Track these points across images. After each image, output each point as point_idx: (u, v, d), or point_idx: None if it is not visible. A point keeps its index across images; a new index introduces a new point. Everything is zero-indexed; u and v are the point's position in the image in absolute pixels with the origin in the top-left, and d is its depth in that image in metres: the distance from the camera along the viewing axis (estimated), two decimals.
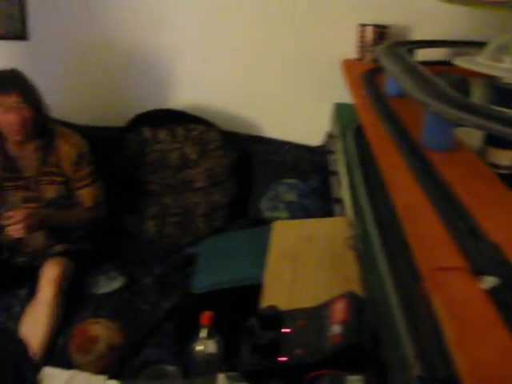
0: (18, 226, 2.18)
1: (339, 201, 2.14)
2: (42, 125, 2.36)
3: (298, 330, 1.13)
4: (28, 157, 2.39)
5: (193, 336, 1.72)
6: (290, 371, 1.05)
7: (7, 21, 3.04)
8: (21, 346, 0.62)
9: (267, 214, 2.66)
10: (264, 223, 2.62)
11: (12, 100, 2.26)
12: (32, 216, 2.22)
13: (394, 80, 1.71)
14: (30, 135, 2.34)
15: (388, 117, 1.52)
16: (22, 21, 3.01)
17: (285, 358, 1.06)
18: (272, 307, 1.13)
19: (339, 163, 2.22)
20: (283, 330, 1.13)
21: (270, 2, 2.71)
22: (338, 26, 2.65)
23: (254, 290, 2.13)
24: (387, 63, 1.72)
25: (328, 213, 2.38)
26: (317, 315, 1.17)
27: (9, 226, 2.19)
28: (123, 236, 2.76)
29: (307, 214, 2.50)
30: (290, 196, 2.59)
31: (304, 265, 1.52)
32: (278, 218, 2.56)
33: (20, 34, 3.03)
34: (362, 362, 1.05)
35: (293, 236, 1.64)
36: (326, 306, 1.19)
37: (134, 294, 2.33)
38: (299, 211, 2.55)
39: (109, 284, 2.37)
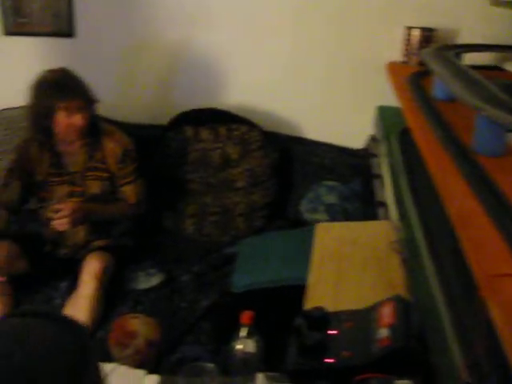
0: (64, 220, 2.21)
1: (383, 204, 2.13)
2: (92, 123, 2.40)
3: (345, 332, 1.13)
4: (75, 153, 2.43)
5: (230, 335, 1.73)
6: (336, 373, 1.05)
7: (54, 18, 3.09)
8: (82, 339, 0.59)
9: (306, 216, 2.65)
10: (303, 225, 2.62)
11: (78, 104, 2.30)
12: (78, 210, 2.26)
13: (443, 84, 1.69)
14: (81, 136, 2.39)
15: (436, 121, 1.50)
16: (69, 18, 3.06)
17: (331, 360, 1.05)
18: (319, 308, 1.12)
19: (383, 166, 2.20)
20: (330, 332, 1.13)
21: (315, 4, 2.71)
22: (384, 29, 2.63)
23: (293, 291, 2.14)
24: (436, 67, 1.70)
25: (369, 216, 2.36)
26: (363, 318, 1.16)
27: (55, 218, 2.22)
28: (162, 234, 2.78)
29: (347, 216, 2.49)
30: (331, 198, 2.58)
31: (348, 267, 1.51)
32: (317, 220, 2.56)
33: (67, 32, 3.08)
34: (410, 366, 1.04)
35: (336, 238, 1.63)
36: (372, 309, 1.19)
37: (172, 291, 2.35)
38: (339, 214, 2.54)
39: (148, 280, 2.39)
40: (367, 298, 1.32)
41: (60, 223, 2.22)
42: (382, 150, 2.28)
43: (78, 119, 2.31)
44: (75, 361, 0.55)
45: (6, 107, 3.16)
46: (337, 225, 1.79)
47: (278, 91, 2.85)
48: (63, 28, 3.09)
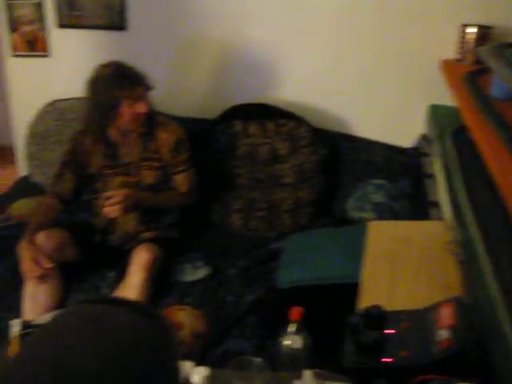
0: (116, 207, 2.24)
1: (435, 204, 2.09)
2: (148, 113, 2.43)
3: (402, 332, 1.11)
4: (129, 144, 2.47)
5: (275, 330, 1.73)
6: (394, 372, 1.04)
7: (107, 11, 3.14)
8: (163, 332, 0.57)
9: (353, 214, 2.63)
10: (349, 223, 2.60)
11: (141, 92, 2.35)
12: (129, 197, 2.29)
13: (502, 82, 1.65)
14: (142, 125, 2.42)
15: (497, 120, 1.47)
16: (122, 11, 3.10)
17: (389, 359, 1.04)
18: (376, 306, 1.11)
19: (435, 166, 2.16)
20: (387, 331, 1.11)
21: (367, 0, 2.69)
22: (438, 26, 2.58)
23: (340, 289, 2.13)
24: (495, 65, 1.66)
25: (418, 216, 2.33)
26: (421, 318, 1.15)
27: (106, 206, 2.25)
28: (209, 227, 2.80)
29: (394, 216, 2.46)
30: (378, 197, 2.55)
31: (402, 267, 1.49)
32: (363, 219, 2.54)
33: (119, 25, 3.13)
34: (470, 369, 1.02)
35: (389, 237, 1.61)
36: (430, 310, 1.17)
37: (218, 284, 2.36)
38: (386, 213, 2.51)
39: (195, 273, 2.40)
40: (422, 299, 1.30)
41: (111, 210, 2.25)
42: (434, 149, 2.24)
43: (141, 107, 2.34)
44: (160, 355, 0.54)
45: (57, 98, 3.23)
46: (389, 223, 1.77)
47: (328, 88, 2.84)
48: (115, 21, 3.13)
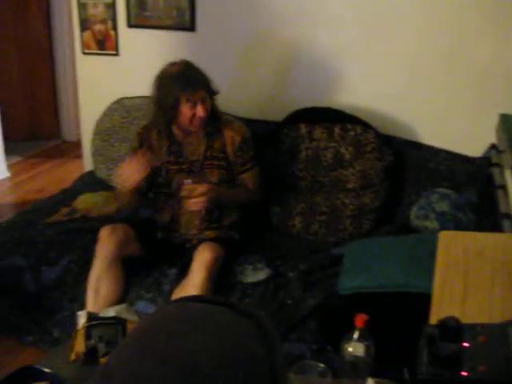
0: (201, 199, 2.28)
1: (508, 216, 2.04)
2: (213, 113, 2.46)
3: (479, 346, 1.09)
4: (194, 142, 2.49)
5: (336, 336, 1.72)
6: None
7: (176, 12, 3.18)
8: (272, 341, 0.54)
9: (416, 223, 2.58)
10: (411, 231, 2.56)
11: (202, 95, 2.37)
12: (212, 190, 2.33)
13: None
14: (204, 125, 2.45)
15: None
16: (191, 13, 3.14)
17: (466, 373, 1.02)
18: (453, 318, 1.09)
19: (507, 176, 2.11)
20: (464, 344, 1.09)
21: (438, 9, 2.64)
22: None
23: (403, 298, 2.10)
24: None
25: (484, 227, 2.28)
26: (499, 333, 1.12)
27: (192, 197, 2.29)
28: (269, 229, 2.80)
29: (458, 226, 2.40)
30: (443, 206, 2.50)
31: (475, 279, 1.46)
32: (427, 228, 2.50)
33: (188, 26, 3.17)
34: None
35: (462, 248, 1.57)
36: (509, 325, 1.14)
37: (278, 287, 2.35)
38: (450, 222, 2.45)
39: (255, 274, 2.40)
40: (496, 313, 1.27)
41: (196, 202, 2.29)
42: (505, 159, 2.18)
43: (200, 110, 2.36)
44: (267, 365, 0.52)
45: (124, 96, 3.29)
46: (462, 234, 1.73)
47: (395, 94, 2.80)
48: (184, 22, 3.17)
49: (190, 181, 2.36)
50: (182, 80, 2.34)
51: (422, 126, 2.81)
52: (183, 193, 2.35)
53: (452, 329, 1.07)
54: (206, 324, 0.52)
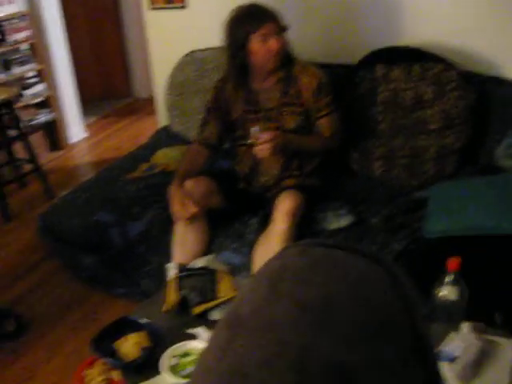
0: (266, 146, 2.25)
1: None
2: (286, 56, 2.41)
3: None
4: (270, 89, 2.46)
5: (424, 280, 1.68)
6: None
7: None
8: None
9: (502, 162, 2.48)
10: (497, 172, 2.46)
11: (272, 27, 2.33)
12: (279, 137, 2.29)
13: None
14: (279, 65, 2.41)
15: None
16: None
17: None
18: None
19: None
20: None
21: None
22: None
23: (493, 241, 2.04)
24: None
25: None
26: None
27: (257, 144, 2.27)
28: (349, 175, 2.76)
29: None
30: None
31: None
32: None
33: None
34: None
35: None
36: None
37: (362, 232, 2.33)
38: None
39: (337, 221, 2.38)
40: None
41: (262, 149, 2.26)
42: None
43: (273, 43, 2.33)
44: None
45: (195, 49, 3.27)
46: None
47: (475, 27, 2.65)
48: None
49: (257, 128, 2.32)
50: (247, 16, 2.33)
51: (506, 59, 2.65)
52: (251, 140, 2.32)
53: None
54: (335, 270, 0.50)
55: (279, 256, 0.55)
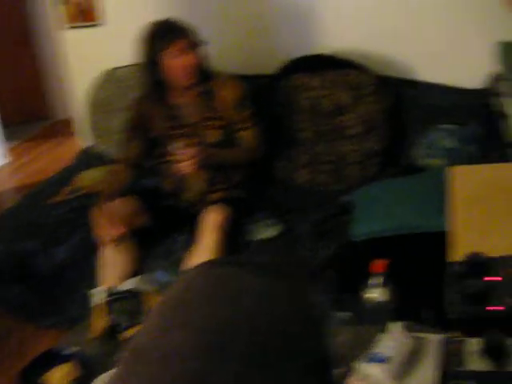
0: (189, 162, 2.25)
1: None
2: (203, 70, 2.41)
3: (509, 279, 1.07)
4: (190, 104, 2.45)
5: (354, 283, 1.70)
6: (507, 321, 1.00)
7: None
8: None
9: (422, 161, 2.55)
10: (418, 171, 2.52)
11: (183, 44, 2.33)
12: (201, 152, 2.29)
13: None
14: (195, 80, 2.40)
15: None
16: None
17: (501, 308, 1.00)
18: (478, 254, 1.07)
19: (510, 106, 2.07)
20: (492, 278, 1.07)
21: None
22: None
23: (419, 239, 2.08)
24: None
25: (493, 159, 2.24)
26: None
27: (180, 161, 2.28)
28: (274, 184, 2.77)
29: (471, 160, 2.36)
30: (451, 142, 2.46)
31: (495, 212, 1.43)
32: (435, 165, 2.46)
33: None
34: None
35: (477, 182, 1.54)
36: None
37: (291, 241, 2.34)
38: (462, 158, 2.41)
39: (267, 231, 2.39)
40: None
41: (184, 165, 2.27)
42: (508, 88, 2.13)
43: (186, 59, 2.34)
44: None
45: (115, 66, 3.22)
46: (475, 167, 1.69)
47: (385, 31, 2.72)
48: None
49: (178, 144, 2.33)
50: (158, 34, 2.34)
51: (417, 62, 2.72)
52: (174, 157, 2.32)
53: (479, 264, 1.05)
54: (237, 291, 0.49)
55: (186, 277, 0.54)
